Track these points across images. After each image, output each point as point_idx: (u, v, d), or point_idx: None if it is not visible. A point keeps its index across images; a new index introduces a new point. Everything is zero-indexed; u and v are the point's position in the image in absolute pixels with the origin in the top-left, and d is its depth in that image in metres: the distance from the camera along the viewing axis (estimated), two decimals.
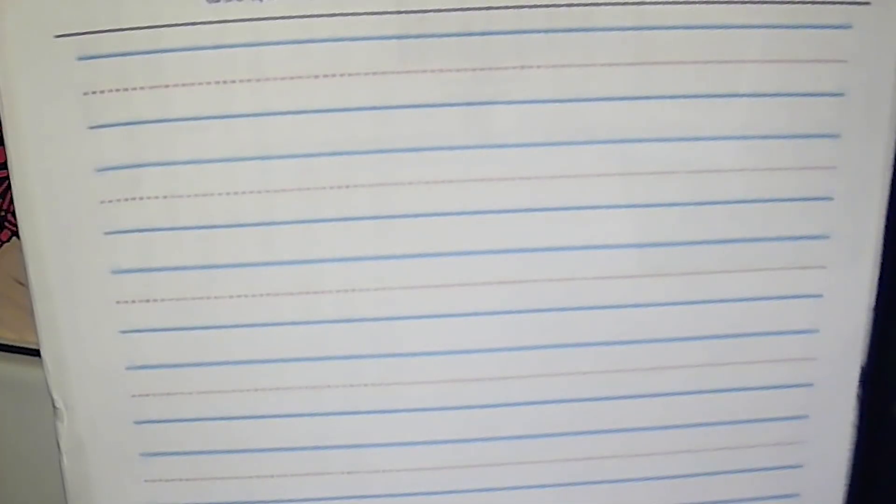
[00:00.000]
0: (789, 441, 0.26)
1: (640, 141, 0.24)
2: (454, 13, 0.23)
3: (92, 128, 0.23)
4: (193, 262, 0.24)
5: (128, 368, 0.25)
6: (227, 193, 0.24)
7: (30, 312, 0.24)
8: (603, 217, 0.24)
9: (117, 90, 0.23)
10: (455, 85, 0.23)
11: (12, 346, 0.33)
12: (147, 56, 0.23)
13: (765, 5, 0.23)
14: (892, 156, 0.24)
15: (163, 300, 0.24)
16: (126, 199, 0.24)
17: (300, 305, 0.24)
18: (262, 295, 0.24)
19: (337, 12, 0.23)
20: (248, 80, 0.23)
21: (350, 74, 0.23)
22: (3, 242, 0.42)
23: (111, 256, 0.24)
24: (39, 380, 0.25)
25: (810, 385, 0.25)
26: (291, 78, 0.23)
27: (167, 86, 0.23)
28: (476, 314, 0.25)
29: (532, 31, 0.23)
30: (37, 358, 0.25)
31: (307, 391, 0.25)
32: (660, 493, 0.26)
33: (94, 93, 0.23)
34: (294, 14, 0.23)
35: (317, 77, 0.23)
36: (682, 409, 0.26)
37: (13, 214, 0.39)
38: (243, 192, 0.24)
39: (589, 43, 0.23)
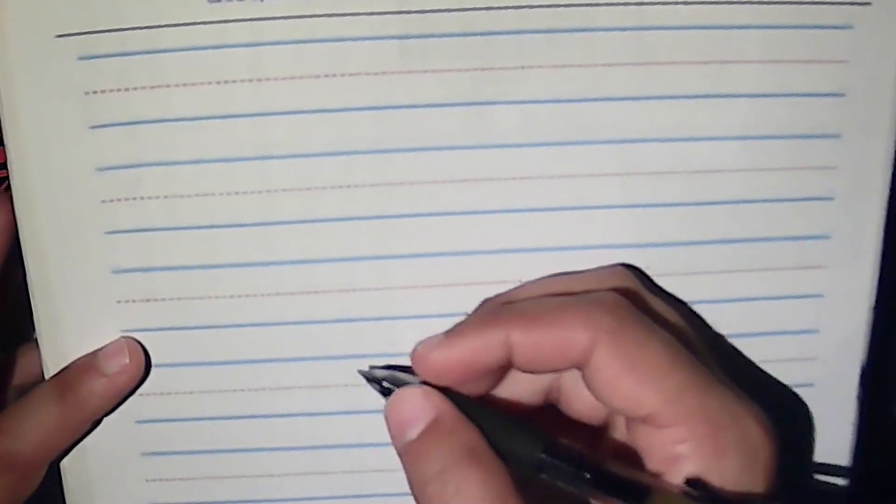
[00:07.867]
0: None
1: (640, 141, 0.24)
2: (455, 13, 0.23)
3: (93, 127, 0.23)
4: (194, 261, 0.24)
5: None
6: (227, 193, 0.24)
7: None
8: (603, 217, 0.24)
9: (118, 90, 0.23)
10: (456, 85, 0.23)
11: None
12: (147, 56, 0.23)
13: (765, 5, 0.23)
14: (892, 156, 0.24)
15: (163, 300, 0.24)
16: (127, 199, 0.24)
17: (300, 305, 0.24)
18: (262, 295, 0.24)
19: (338, 12, 0.23)
20: (248, 80, 0.23)
21: (351, 74, 0.23)
22: None
23: (112, 256, 0.24)
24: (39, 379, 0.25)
25: (810, 385, 0.25)
26: (291, 78, 0.23)
27: (167, 86, 0.23)
28: None
29: (533, 31, 0.23)
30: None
31: (307, 391, 0.25)
32: None
33: (94, 92, 0.23)
34: (294, 14, 0.23)
35: (317, 77, 0.23)
36: None
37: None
38: (243, 192, 0.24)
39: (589, 43, 0.23)
